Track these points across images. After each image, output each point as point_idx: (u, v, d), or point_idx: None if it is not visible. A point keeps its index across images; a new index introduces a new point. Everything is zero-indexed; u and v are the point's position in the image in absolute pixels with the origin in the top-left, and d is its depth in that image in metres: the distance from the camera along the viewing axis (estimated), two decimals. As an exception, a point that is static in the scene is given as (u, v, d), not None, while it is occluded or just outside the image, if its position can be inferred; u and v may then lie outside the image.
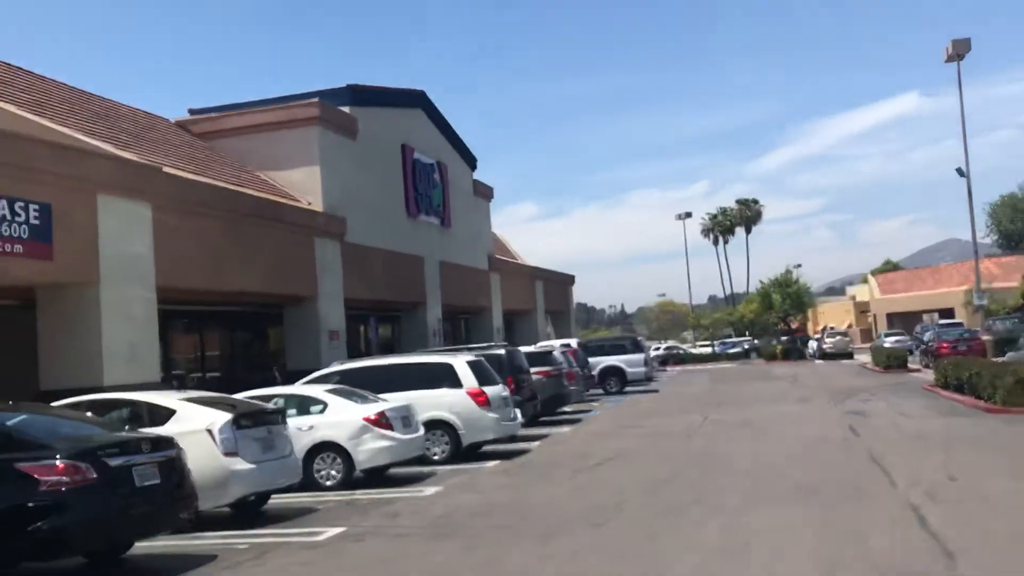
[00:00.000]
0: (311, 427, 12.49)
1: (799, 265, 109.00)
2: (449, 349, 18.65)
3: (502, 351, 18.41)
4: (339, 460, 12.38)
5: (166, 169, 18.32)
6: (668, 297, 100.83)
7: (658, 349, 75.43)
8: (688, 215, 75.42)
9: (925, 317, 52.05)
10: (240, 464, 9.56)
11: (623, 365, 31.50)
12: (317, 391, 12.95)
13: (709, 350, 72.01)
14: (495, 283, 39.41)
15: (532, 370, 21.04)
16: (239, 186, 21.81)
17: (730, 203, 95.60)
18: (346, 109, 26.36)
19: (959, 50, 31.18)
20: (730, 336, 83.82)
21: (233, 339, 24.48)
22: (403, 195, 29.95)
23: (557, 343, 33.33)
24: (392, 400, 14.00)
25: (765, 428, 17.49)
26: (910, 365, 34.21)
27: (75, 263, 15.16)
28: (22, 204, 14.00)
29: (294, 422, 12.59)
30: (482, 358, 16.10)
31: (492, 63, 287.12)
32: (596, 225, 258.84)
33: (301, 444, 12.42)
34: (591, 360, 31.46)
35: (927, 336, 37.27)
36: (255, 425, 10.09)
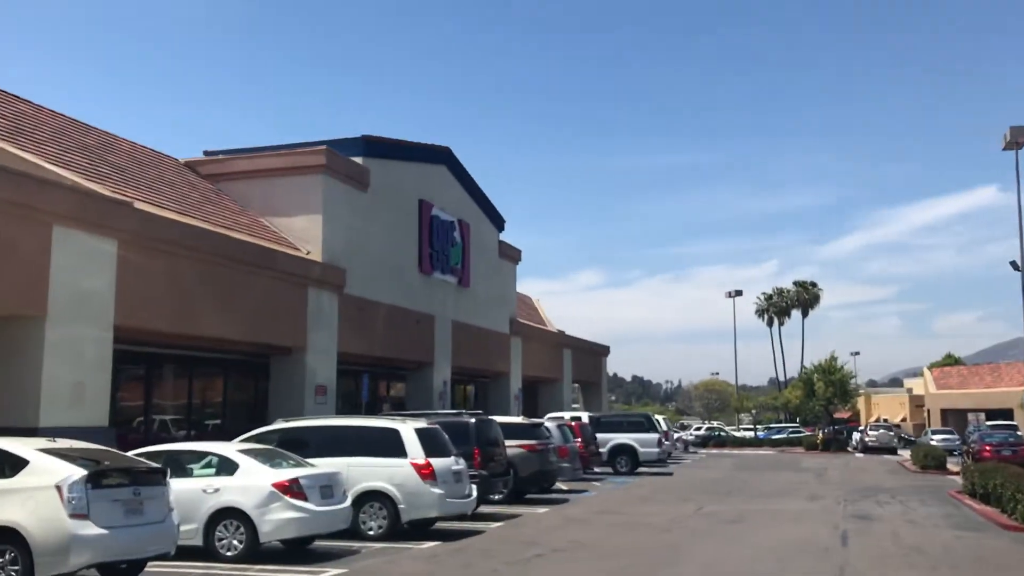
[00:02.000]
0: (216, 490, 11.36)
1: (857, 353, 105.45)
2: (408, 414, 17.45)
3: (470, 419, 17.09)
4: (242, 529, 11.19)
5: (139, 205, 17.70)
6: (723, 376, 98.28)
7: (699, 429, 73.03)
8: (739, 293, 73.31)
9: (970, 416, 48.96)
10: (88, 528, 8.44)
11: (635, 444, 29.79)
12: (229, 450, 11.84)
13: (751, 434, 69.37)
14: (516, 348, 38.16)
15: (516, 443, 19.68)
16: (232, 230, 21.15)
17: (789, 284, 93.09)
18: (359, 160, 25.76)
19: (1017, 137, 29.49)
20: (780, 420, 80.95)
21: (215, 386, 23.59)
22: (417, 251, 29.12)
23: (566, 415, 31.92)
24: (323, 465, 12.83)
25: (753, 527, 15.82)
26: (950, 467, 31.78)
27: (17, 295, 14.47)
28: (-41, 230, 13.38)
29: (201, 483, 11.52)
30: (436, 426, 14.81)
31: (567, 134, 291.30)
32: (660, 298, 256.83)
33: (205, 507, 11.32)
34: (603, 436, 29.90)
35: (971, 437, 34.75)
36: (120, 485, 9.00)
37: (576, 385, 53.36)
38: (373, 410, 27.88)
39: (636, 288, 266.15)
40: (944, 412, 63.86)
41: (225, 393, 23.94)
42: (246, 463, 11.55)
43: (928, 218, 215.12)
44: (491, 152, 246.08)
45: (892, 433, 49.44)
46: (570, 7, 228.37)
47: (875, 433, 48.48)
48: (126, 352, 19.37)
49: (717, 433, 68.48)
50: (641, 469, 30.45)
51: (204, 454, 11.92)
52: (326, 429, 14.63)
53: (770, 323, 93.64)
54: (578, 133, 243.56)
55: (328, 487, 11.88)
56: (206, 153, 26.18)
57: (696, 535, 14.66)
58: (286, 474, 11.44)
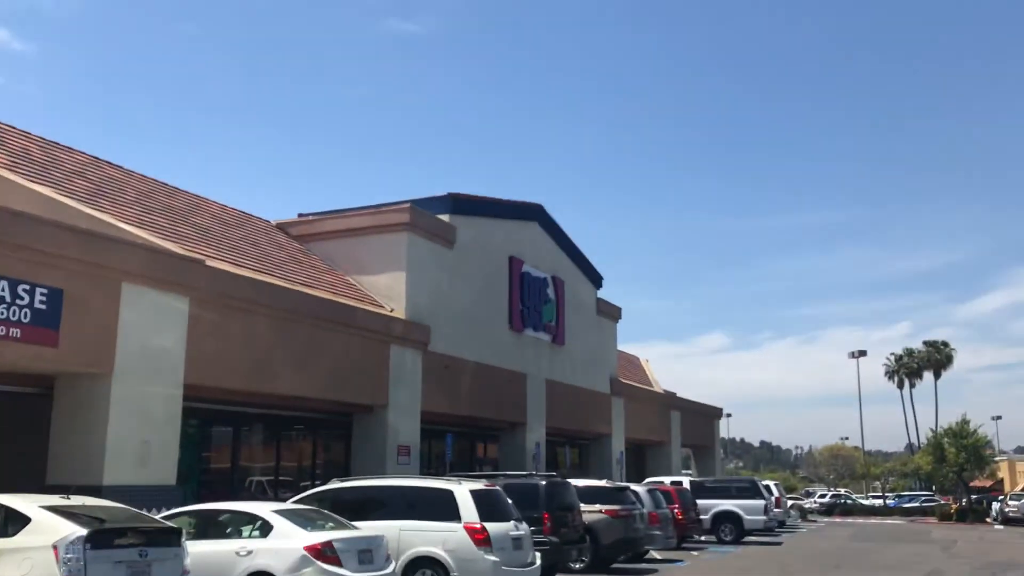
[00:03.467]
0: (249, 552, 10.86)
1: (999, 417, 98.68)
2: (479, 475, 16.66)
3: (541, 481, 16.18)
4: (274, 598, 10.62)
5: (214, 263, 17.84)
6: (853, 442, 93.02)
7: (823, 496, 69.05)
8: (863, 353, 69.79)
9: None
10: (86, 592, 8.04)
11: (740, 511, 28.01)
12: (264, 510, 11.34)
13: (880, 502, 65.05)
14: (617, 408, 36.96)
15: (598, 508, 18.63)
16: (313, 287, 21.16)
17: (918, 345, 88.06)
18: (445, 218, 25.61)
19: None
20: (912, 488, 75.77)
21: (303, 446, 23.48)
22: (507, 308, 28.61)
23: (666, 479, 30.46)
24: (374, 528, 12.21)
25: (850, 606, 14.22)
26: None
27: (85, 352, 14.58)
28: (27, 287, 13.61)
29: (235, 544, 11.06)
30: (496, 488, 14.00)
31: (691, 195, 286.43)
32: (789, 361, 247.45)
33: (238, 571, 10.83)
34: (706, 503, 28.29)
35: (1124, 508, 31.20)
36: (126, 545, 8.60)
37: (688, 449, 51.41)
38: (461, 471, 27.23)
39: (764, 351, 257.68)
40: (1099, 481, 58.23)
41: (314, 452, 23.82)
42: (281, 525, 11.03)
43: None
44: (611, 214, 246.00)
45: (1036, 503, 45.16)
46: (684, 61, 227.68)
47: (1017, 503, 44.32)
48: (207, 411, 19.54)
49: (843, 500, 64.53)
50: (749, 538, 28.60)
51: (240, 514, 11.49)
52: (380, 489, 14.03)
53: (900, 385, 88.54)
54: (702, 194, 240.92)
55: (368, 551, 11.22)
56: (300, 215, 26.60)
57: (782, 613, 13.23)
58: (320, 537, 10.85)
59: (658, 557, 22.28)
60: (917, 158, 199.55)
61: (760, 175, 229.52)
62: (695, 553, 24.13)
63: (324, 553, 10.67)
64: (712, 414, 51.60)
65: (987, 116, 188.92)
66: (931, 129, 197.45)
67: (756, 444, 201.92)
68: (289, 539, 10.84)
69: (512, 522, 13.53)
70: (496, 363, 27.46)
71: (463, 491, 13.20)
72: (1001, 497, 49.39)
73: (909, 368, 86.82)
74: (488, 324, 27.46)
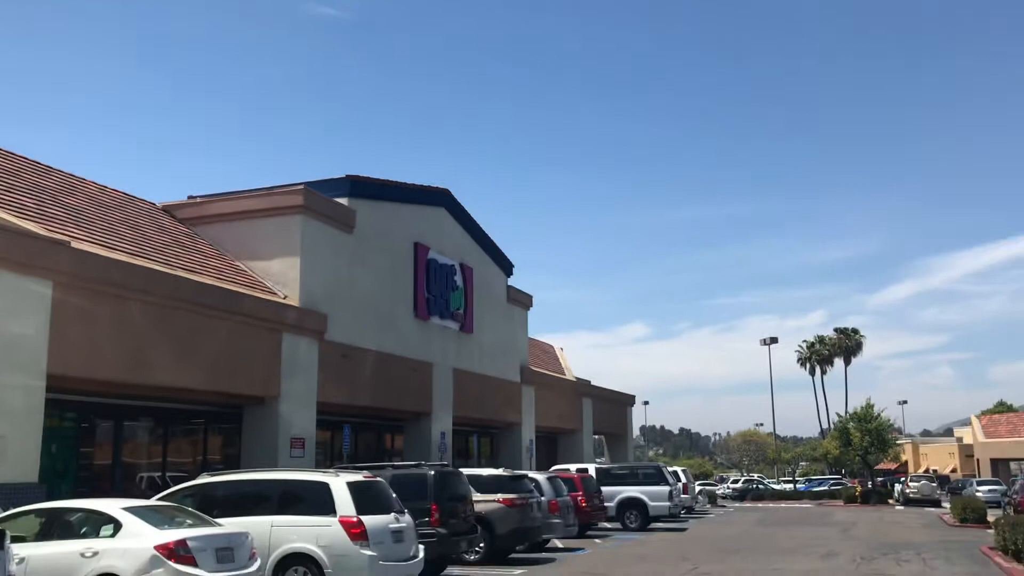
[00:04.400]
0: (95, 553, 10.00)
1: (904, 402, 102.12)
2: (364, 466, 15.97)
3: (429, 471, 15.58)
4: (121, 599, 9.80)
5: (83, 246, 16.73)
6: (769, 428, 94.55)
7: (736, 482, 70.11)
8: (774, 340, 71.06)
9: (1013, 466, 45.95)
10: None
11: (645, 497, 27.90)
12: (112, 507, 10.48)
13: (790, 486, 66.37)
14: (528, 397, 36.57)
15: (493, 497, 18.13)
16: (198, 273, 20.11)
17: (831, 333, 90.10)
18: (344, 201, 24.72)
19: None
20: (824, 472, 77.53)
21: (193, 440, 22.42)
22: (412, 296, 27.88)
23: (572, 467, 30.20)
24: (241, 525, 11.45)
25: (741, 591, 14.03)
26: (992, 520, 29.28)
27: (-71, 340, 13.42)
28: None
29: (80, 545, 10.18)
30: (377, 479, 13.35)
31: (616, 186, 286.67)
32: (708, 350, 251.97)
33: (82, 573, 9.96)
34: (612, 489, 28.10)
35: (1015, 487, 32.21)
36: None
37: (600, 437, 51.48)
38: (368, 463, 26.42)
39: (683, 340, 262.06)
40: (994, 462, 60.52)
41: (206, 446, 22.76)
42: (131, 523, 10.19)
43: (980, 264, 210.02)
44: (538, 205, 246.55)
45: (935, 484, 46.58)
46: (601, 44, 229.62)
47: (916, 484, 45.68)
48: (84, 404, 18.40)
49: (755, 486, 65.64)
50: (656, 525, 28.54)
51: (88, 512, 10.60)
52: (251, 484, 13.25)
53: (812, 372, 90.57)
54: (622, 188, 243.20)
55: (228, 549, 10.46)
56: (190, 197, 25.35)
57: (670, 601, 12.92)
58: (172, 535, 10.05)
59: (559, 546, 21.93)
60: (832, 151, 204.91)
61: (677, 167, 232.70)
62: (598, 541, 23.88)
63: (177, 552, 9.88)
64: (625, 401, 51.70)
65: (900, 110, 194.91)
66: (846, 122, 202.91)
67: (676, 431, 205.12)
68: (139, 538, 10.01)
69: (392, 514, 12.90)
70: (400, 352, 26.72)
71: (339, 483, 12.52)
72: (903, 479, 50.83)
73: (820, 355, 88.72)
74: (392, 312, 26.69)
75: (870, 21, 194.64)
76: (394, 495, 13.50)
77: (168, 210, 23.92)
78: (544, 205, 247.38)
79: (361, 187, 25.58)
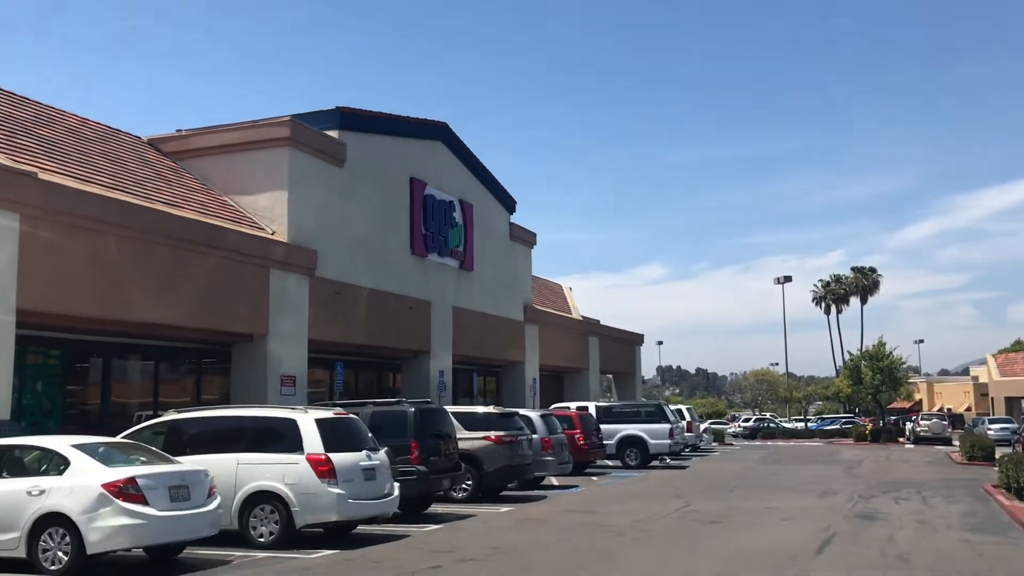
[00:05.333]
0: (42, 491, 9.65)
1: (921, 341, 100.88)
2: (345, 404, 15.58)
3: (409, 408, 15.17)
4: (68, 539, 9.45)
5: (56, 178, 16.21)
6: (790, 368, 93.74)
7: (748, 420, 69.97)
8: (788, 279, 70.14)
9: (1024, 403, 45.37)
10: None
11: (645, 435, 27.55)
12: (60, 444, 10.11)
13: (802, 425, 66.17)
14: (531, 336, 36.14)
15: (481, 435, 17.77)
16: (179, 207, 19.59)
17: (846, 271, 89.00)
18: (334, 134, 24.02)
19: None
20: (838, 411, 77.23)
21: (184, 378, 22.18)
22: (409, 232, 27.30)
23: (572, 405, 29.86)
24: (204, 463, 11.08)
25: (727, 529, 13.64)
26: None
27: None
28: None
29: (27, 483, 9.83)
30: (349, 415, 12.94)
31: (631, 124, 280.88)
32: (726, 290, 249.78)
33: (29, 512, 9.63)
34: (612, 427, 27.77)
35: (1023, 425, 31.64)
36: None
37: (608, 376, 51.18)
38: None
39: (702, 280, 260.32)
40: (1009, 400, 59.92)
41: (198, 384, 22.52)
42: (79, 460, 9.81)
43: (1005, 203, 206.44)
44: (553, 143, 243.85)
45: (945, 423, 46.08)
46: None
47: (927, 423, 45.22)
48: (71, 341, 18.12)
49: (767, 424, 65.47)
50: (656, 463, 28.25)
51: (36, 449, 10.23)
52: (218, 420, 12.88)
53: (827, 311, 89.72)
54: (643, 124, 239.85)
55: (183, 488, 10.09)
56: (178, 131, 24.72)
57: (648, 540, 12.53)
58: (122, 473, 9.67)
59: (554, 483, 21.67)
60: (853, 88, 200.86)
61: (696, 105, 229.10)
62: (595, 479, 23.61)
63: (125, 491, 9.51)
64: (633, 341, 51.25)
65: (924, 47, 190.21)
66: (867, 60, 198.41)
67: (692, 371, 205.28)
68: (87, 476, 9.65)
69: (364, 452, 12.50)
70: (396, 290, 26.24)
71: (307, 420, 12.11)
72: (913, 418, 50.39)
73: (836, 294, 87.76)
74: (386, 249, 26.14)
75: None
76: (368, 433, 13.10)
77: (154, 144, 23.32)
78: (559, 143, 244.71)
79: (352, 119, 24.84)
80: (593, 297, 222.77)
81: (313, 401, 22.73)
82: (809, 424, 66.03)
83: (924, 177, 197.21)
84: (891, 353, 46.12)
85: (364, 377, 29.20)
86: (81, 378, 19.60)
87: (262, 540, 11.67)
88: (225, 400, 21.30)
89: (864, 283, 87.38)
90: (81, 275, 16.10)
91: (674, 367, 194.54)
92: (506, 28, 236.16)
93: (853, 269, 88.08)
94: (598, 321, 46.84)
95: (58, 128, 19.84)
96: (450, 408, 18.09)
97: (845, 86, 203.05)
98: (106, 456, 10.10)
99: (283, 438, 12.07)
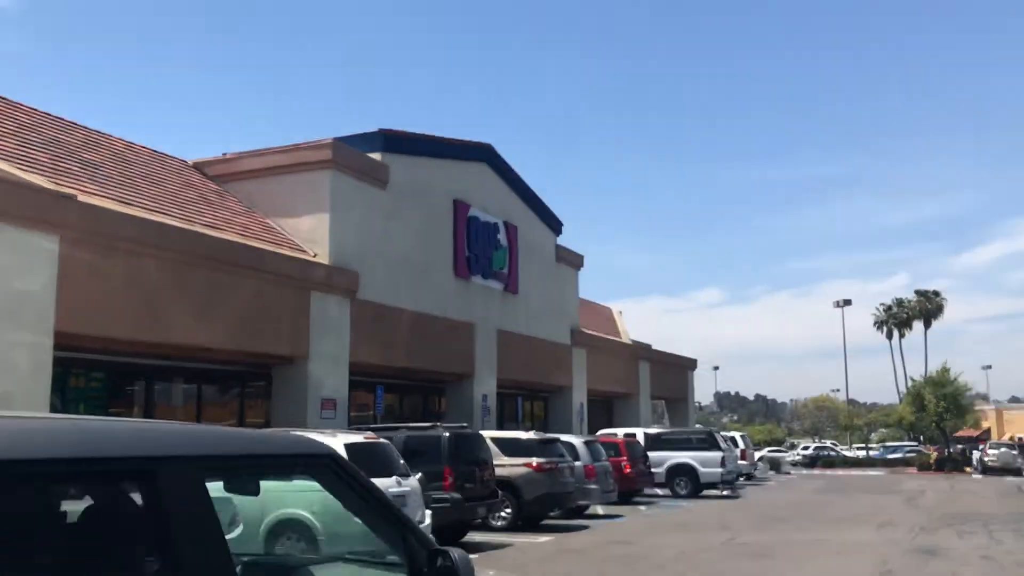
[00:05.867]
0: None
1: (989, 367, 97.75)
2: (371, 427, 15.24)
3: (444, 433, 14.76)
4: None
5: (94, 200, 16.26)
6: (849, 394, 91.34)
7: (807, 448, 68.11)
8: (848, 303, 68.65)
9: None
10: None
11: (695, 463, 26.73)
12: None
13: (863, 453, 64.18)
14: (579, 360, 35.54)
15: (521, 462, 17.27)
16: (221, 229, 19.58)
17: (908, 295, 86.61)
18: (377, 156, 23.93)
19: None
20: (902, 438, 74.86)
21: (228, 400, 22.13)
22: (452, 254, 27.05)
23: (619, 432, 29.16)
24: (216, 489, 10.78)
25: (774, 564, 12.92)
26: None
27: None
28: None
29: None
30: (381, 440, 12.58)
31: (688, 148, 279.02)
32: (784, 315, 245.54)
33: None
34: (661, 455, 27.02)
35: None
36: None
37: (661, 401, 50.20)
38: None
39: (759, 305, 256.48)
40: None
41: (242, 407, 22.48)
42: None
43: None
44: (604, 165, 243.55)
45: (1016, 452, 44.14)
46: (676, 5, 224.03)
47: (995, 452, 43.36)
48: (113, 364, 18.16)
49: (826, 453, 63.60)
50: (709, 492, 27.38)
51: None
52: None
53: (889, 335, 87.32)
54: (699, 146, 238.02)
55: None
56: (224, 155, 24.88)
57: (688, 574, 11.89)
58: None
59: (600, 512, 21.06)
60: (915, 109, 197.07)
61: (754, 125, 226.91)
62: (642, 508, 22.92)
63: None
64: (686, 365, 50.27)
65: (987, 70, 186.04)
66: (930, 80, 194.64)
67: (751, 398, 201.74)
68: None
69: (395, 478, 12.12)
70: (439, 312, 25.95)
71: (337, 445, 11.75)
72: (981, 446, 48.44)
73: (899, 318, 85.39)
74: (429, 271, 25.90)
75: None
76: (400, 458, 12.72)
77: (199, 167, 23.47)
78: (613, 164, 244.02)
79: (395, 142, 24.73)
80: (648, 321, 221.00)
81: (355, 424, 22.52)
82: (871, 452, 63.99)
83: (989, 198, 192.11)
84: (956, 379, 44.49)
85: (409, 401, 28.92)
86: (125, 401, 19.64)
87: (288, 568, 11.31)
88: (267, 424, 21.15)
89: (928, 307, 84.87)
90: (120, 297, 16.06)
91: (732, 393, 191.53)
92: (557, 45, 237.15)
93: (916, 292, 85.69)
94: (649, 345, 46.04)
95: (103, 152, 20.03)
96: (489, 433, 17.69)
97: (906, 106, 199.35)
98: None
99: (311, 463, 11.72)
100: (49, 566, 2.61)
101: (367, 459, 11.99)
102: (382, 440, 12.70)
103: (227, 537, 7.83)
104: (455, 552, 3.19)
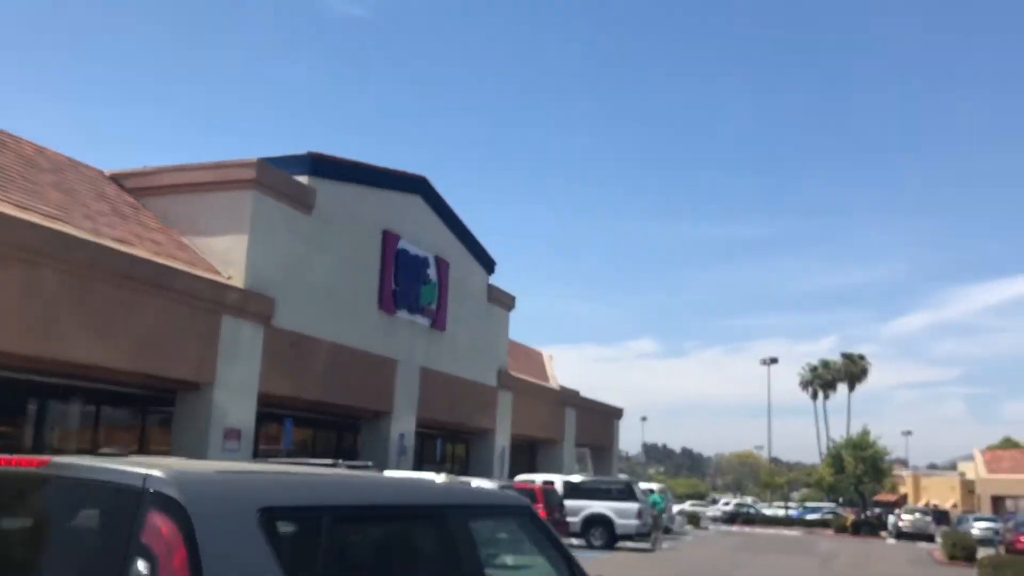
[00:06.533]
0: None
1: (909, 432, 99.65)
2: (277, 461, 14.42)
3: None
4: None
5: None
6: (773, 452, 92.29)
7: (727, 504, 68.25)
8: (774, 360, 69.61)
9: (1009, 503, 44.07)
10: None
11: (612, 514, 26.24)
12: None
13: (783, 512, 64.51)
14: (504, 403, 34.95)
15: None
16: (129, 244, 18.64)
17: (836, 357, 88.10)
18: (304, 179, 23.25)
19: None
20: (821, 500, 75.55)
21: (130, 426, 21.03)
22: (378, 286, 26.36)
23: (537, 478, 28.58)
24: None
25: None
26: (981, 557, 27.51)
27: None
28: None
29: None
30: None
31: (629, 202, 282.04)
32: (715, 370, 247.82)
33: None
34: (578, 504, 26.48)
35: (1008, 524, 30.41)
36: None
37: (585, 449, 49.79)
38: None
39: (692, 359, 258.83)
40: (995, 498, 58.49)
41: (143, 434, 21.36)
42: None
43: (996, 299, 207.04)
44: (544, 212, 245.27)
45: (928, 518, 44.65)
46: (612, 53, 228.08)
47: (909, 517, 43.80)
48: (7, 380, 17.04)
49: (746, 510, 63.82)
50: (624, 544, 26.87)
51: None
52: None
53: (814, 396, 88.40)
54: (641, 201, 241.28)
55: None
56: (146, 169, 23.94)
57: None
58: None
59: (508, 562, 20.32)
60: (852, 173, 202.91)
61: (693, 183, 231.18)
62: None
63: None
64: (612, 414, 50.01)
65: (919, 135, 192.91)
66: (867, 146, 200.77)
67: (678, 450, 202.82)
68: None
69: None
70: (360, 345, 25.16)
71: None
72: (896, 511, 48.96)
73: (824, 379, 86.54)
74: (353, 302, 25.16)
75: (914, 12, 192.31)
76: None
77: (116, 179, 22.48)
78: (555, 211, 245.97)
79: (324, 166, 24.09)
80: (582, 368, 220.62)
81: (259, 458, 21.54)
82: (790, 512, 64.34)
83: (918, 268, 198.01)
84: (875, 443, 45.01)
85: (322, 436, 27.96)
86: (14, 420, 18.47)
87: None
88: (170, 452, 20.09)
89: (852, 370, 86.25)
90: (11, 308, 15.06)
91: (659, 445, 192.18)
92: (502, 91, 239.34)
93: (842, 355, 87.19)
94: (577, 392, 45.66)
95: (9, 154, 19.00)
96: (393, 474, 16.88)
97: (843, 170, 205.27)
98: None
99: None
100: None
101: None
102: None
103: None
104: None
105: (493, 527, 5.12)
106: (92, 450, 19.07)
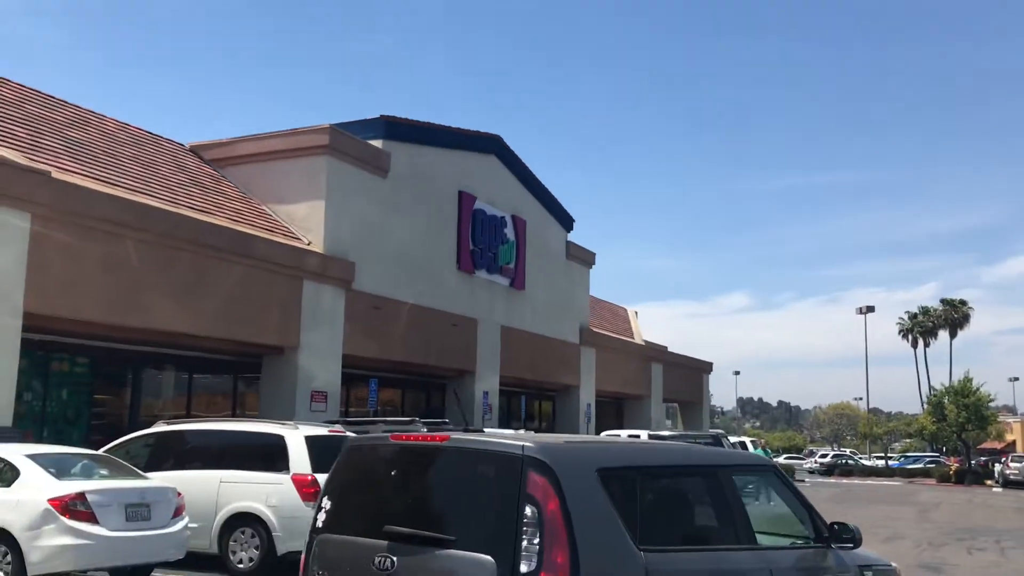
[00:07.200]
0: (-12, 503, 8.86)
1: (1016, 379, 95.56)
2: (356, 421, 14.58)
3: (422, 428, 14.08)
4: (10, 558, 8.63)
5: (75, 179, 15.74)
6: (871, 403, 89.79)
7: (825, 456, 66.83)
8: (871, 309, 67.14)
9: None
10: None
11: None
12: (11, 452, 9.30)
13: (882, 462, 62.85)
14: (587, 359, 34.75)
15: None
16: (210, 213, 19.03)
17: (935, 304, 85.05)
18: (378, 143, 23.30)
19: None
20: (924, 449, 73.37)
21: (221, 391, 21.68)
22: (455, 247, 26.37)
23: (623, 432, 28.31)
24: (166, 479, 10.19)
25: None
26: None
27: None
28: None
29: (-27, 492, 9.05)
30: (344, 433, 11.92)
31: (724, 153, 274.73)
32: (811, 322, 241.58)
33: (-27, 525, 8.84)
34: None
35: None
36: None
37: (674, 404, 49.27)
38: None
39: (786, 311, 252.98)
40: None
41: (235, 397, 22.02)
42: (29, 472, 9.00)
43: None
44: (633, 170, 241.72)
45: (1038, 465, 42.79)
46: (707, 12, 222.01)
47: (1018, 465, 42.02)
48: (99, 349, 17.77)
49: (844, 461, 62.39)
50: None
51: (-18, 457, 9.46)
52: (204, 435, 12.03)
53: (915, 344, 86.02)
54: (734, 152, 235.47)
55: (142, 506, 9.20)
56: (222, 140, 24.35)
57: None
58: (71, 487, 8.81)
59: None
60: (950, 120, 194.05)
61: (785, 133, 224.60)
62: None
63: (73, 507, 8.66)
64: (701, 368, 49.30)
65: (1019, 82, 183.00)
66: (966, 91, 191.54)
67: (774, 404, 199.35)
68: (35, 489, 8.82)
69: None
70: (440, 306, 25.26)
71: (296, 437, 11.15)
72: (1004, 459, 47.09)
73: (924, 327, 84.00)
74: (431, 264, 25.24)
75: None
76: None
77: (196, 151, 22.96)
78: (642, 170, 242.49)
79: (398, 129, 24.09)
80: (671, 324, 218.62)
81: (349, 418, 21.92)
82: (890, 462, 62.62)
83: (1021, 210, 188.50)
84: (978, 389, 43.21)
85: (411, 396, 28.33)
86: (111, 388, 19.20)
87: (241, 566, 10.73)
88: (261, 415, 20.63)
89: (954, 316, 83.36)
90: (95, 279, 15.53)
91: (755, 399, 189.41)
92: (588, 48, 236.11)
93: (942, 301, 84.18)
94: (664, 347, 45.17)
95: (92, 131, 19.54)
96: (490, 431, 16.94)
97: (941, 116, 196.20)
98: (61, 468, 9.27)
99: (270, 456, 11.12)
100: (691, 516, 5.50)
101: (329, 453, 11.32)
102: (348, 434, 12.01)
103: (169, 530, 7.96)
104: (849, 523, 5.85)
105: (748, 480, 6.96)
106: (186, 414, 19.75)
